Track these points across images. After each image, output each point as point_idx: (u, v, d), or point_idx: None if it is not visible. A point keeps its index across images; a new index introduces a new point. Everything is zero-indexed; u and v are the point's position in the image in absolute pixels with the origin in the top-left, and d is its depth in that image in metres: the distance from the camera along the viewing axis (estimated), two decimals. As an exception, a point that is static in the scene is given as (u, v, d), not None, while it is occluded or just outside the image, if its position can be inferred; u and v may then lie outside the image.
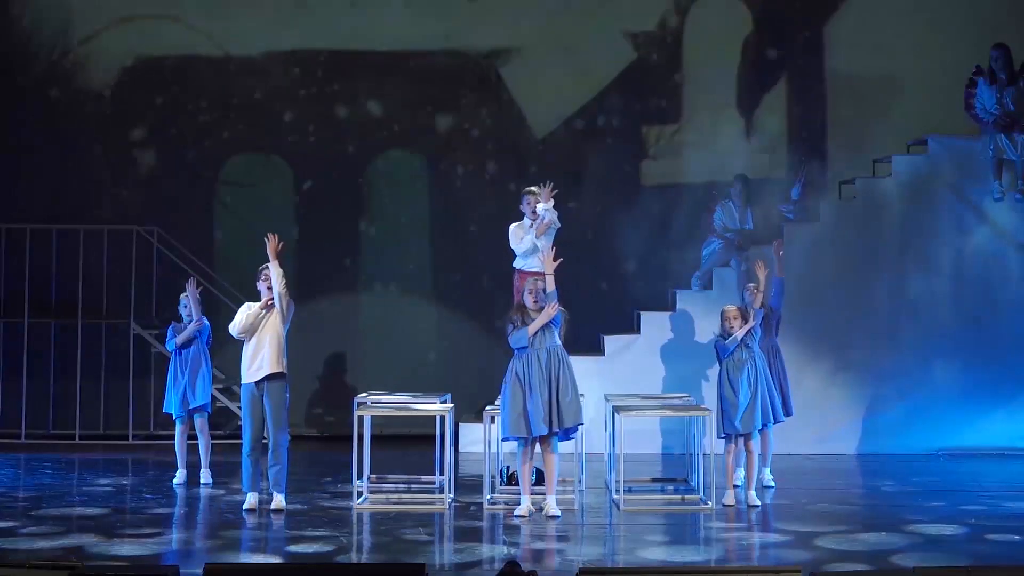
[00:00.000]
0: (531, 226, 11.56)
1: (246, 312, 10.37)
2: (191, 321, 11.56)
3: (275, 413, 10.24)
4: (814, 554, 8.86)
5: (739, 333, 10.65)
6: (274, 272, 10.27)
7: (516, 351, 10.19)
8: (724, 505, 10.52)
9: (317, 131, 15.10)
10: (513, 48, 15.11)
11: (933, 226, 13.66)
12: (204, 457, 11.55)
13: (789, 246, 13.64)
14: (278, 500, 10.29)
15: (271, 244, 10.29)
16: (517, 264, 11.66)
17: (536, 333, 10.12)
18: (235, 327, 10.37)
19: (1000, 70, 13.59)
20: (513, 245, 11.70)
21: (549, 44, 15.06)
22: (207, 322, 11.64)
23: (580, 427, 10.34)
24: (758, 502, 10.56)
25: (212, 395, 11.79)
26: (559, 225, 11.61)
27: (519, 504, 10.16)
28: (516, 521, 9.94)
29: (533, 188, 11.84)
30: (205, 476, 11.51)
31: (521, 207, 11.75)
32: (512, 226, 11.77)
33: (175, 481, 11.44)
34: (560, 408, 10.06)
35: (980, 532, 9.58)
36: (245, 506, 10.28)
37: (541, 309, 10.18)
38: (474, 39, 15.11)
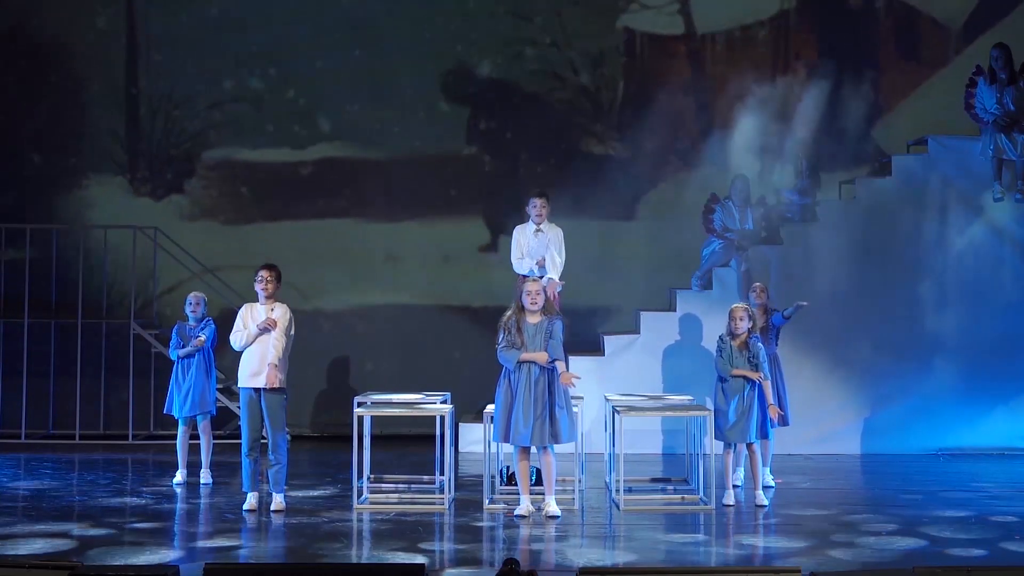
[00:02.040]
0: (535, 231, 11.55)
1: (244, 331, 10.32)
2: (197, 322, 11.54)
3: (273, 416, 10.23)
4: (814, 554, 8.86)
5: (738, 372, 10.59)
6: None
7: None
8: (724, 505, 10.51)
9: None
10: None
11: (933, 226, 13.66)
12: (205, 457, 11.55)
13: (789, 246, 13.68)
14: (278, 500, 10.29)
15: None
16: None
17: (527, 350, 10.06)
18: (236, 341, 10.35)
19: (1000, 70, 13.58)
20: (513, 259, 11.67)
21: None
22: (213, 325, 11.60)
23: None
24: (765, 502, 10.55)
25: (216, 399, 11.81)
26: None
27: (519, 504, 10.15)
28: (516, 521, 9.94)
29: (540, 191, 11.84)
30: (205, 476, 11.51)
31: (527, 209, 11.72)
32: (516, 231, 11.74)
33: (175, 481, 11.44)
34: (552, 424, 10.01)
35: (980, 532, 9.58)
36: (245, 506, 10.27)
37: (539, 310, 10.13)
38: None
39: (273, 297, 10.38)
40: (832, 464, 12.84)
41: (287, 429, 10.47)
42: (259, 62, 15.03)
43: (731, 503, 10.56)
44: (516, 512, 10.08)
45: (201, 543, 9.31)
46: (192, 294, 11.77)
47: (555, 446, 10.16)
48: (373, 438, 10.98)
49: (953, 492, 11.26)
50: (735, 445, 10.74)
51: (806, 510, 10.46)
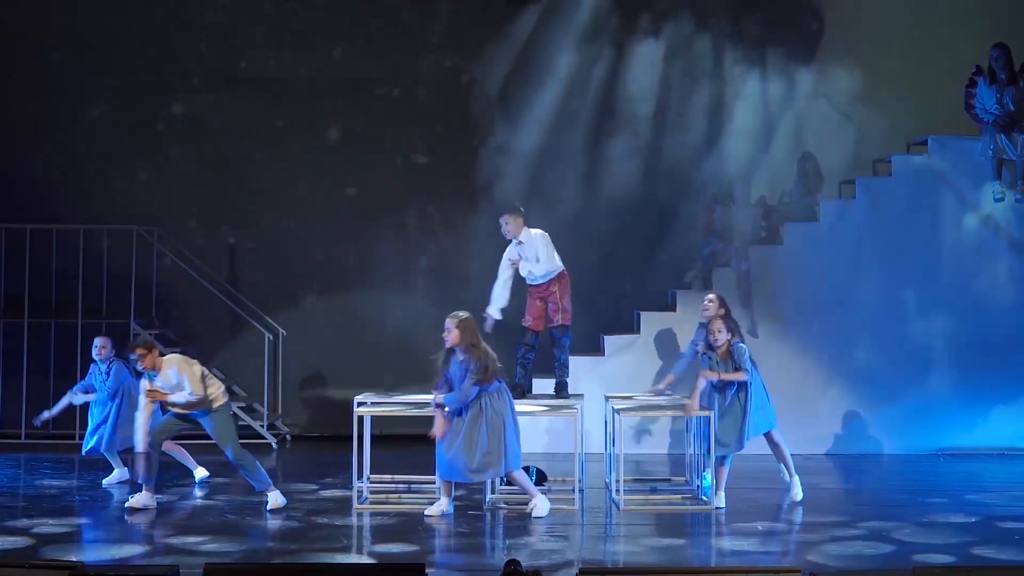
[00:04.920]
0: (516, 243, 11.34)
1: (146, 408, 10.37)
2: (106, 365, 11.55)
3: (223, 434, 10.30)
4: (814, 554, 8.86)
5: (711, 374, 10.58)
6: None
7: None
8: (716, 508, 10.47)
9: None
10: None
11: (932, 226, 13.65)
12: (188, 460, 11.54)
13: (789, 246, 13.67)
14: (274, 499, 10.30)
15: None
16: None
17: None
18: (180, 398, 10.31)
19: (1000, 70, 13.57)
20: (499, 274, 11.52)
21: None
22: (122, 365, 11.59)
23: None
24: (799, 496, 10.61)
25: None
26: None
27: (528, 503, 10.15)
28: (428, 521, 9.94)
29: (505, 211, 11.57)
30: (200, 472, 11.51)
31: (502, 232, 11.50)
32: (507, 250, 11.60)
33: (106, 481, 11.50)
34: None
35: (980, 532, 9.59)
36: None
37: (460, 348, 10.20)
38: None
39: (156, 366, 10.34)
40: (831, 464, 12.84)
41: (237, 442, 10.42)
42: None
43: (721, 505, 10.47)
44: (426, 512, 10.10)
45: (201, 543, 9.31)
46: (97, 338, 11.80)
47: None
48: (373, 438, 10.98)
49: (953, 492, 11.25)
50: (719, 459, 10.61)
51: (806, 510, 10.47)
